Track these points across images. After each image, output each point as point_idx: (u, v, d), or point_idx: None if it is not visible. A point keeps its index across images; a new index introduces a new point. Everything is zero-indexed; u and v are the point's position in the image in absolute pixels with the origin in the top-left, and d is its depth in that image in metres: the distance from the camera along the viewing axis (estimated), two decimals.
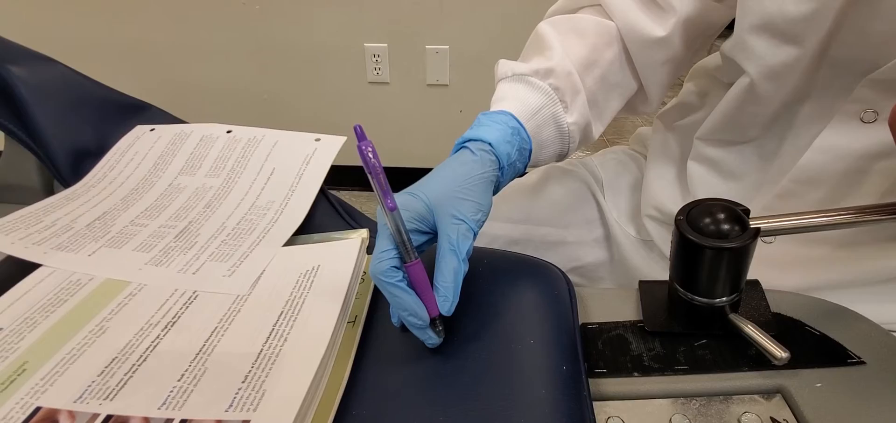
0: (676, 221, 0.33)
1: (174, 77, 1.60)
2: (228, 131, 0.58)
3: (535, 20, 0.50)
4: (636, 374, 0.36)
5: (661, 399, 0.35)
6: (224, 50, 1.53)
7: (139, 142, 0.60)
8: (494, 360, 0.33)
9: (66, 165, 0.57)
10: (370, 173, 0.32)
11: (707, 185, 0.48)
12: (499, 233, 0.57)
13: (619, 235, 0.56)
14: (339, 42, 1.48)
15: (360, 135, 0.32)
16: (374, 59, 1.49)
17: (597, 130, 0.48)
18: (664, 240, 0.53)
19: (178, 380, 0.33)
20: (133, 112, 0.65)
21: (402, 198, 0.36)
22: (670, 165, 0.53)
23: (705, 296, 0.35)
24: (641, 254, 0.55)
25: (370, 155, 0.31)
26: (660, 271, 0.54)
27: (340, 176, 1.48)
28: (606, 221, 0.57)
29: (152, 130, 0.61)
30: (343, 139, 0.56)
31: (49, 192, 0.60)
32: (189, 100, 1.61)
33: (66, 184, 0.56)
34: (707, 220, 0.33)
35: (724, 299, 0.35)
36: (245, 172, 0.53)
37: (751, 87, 0.41)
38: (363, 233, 0.45)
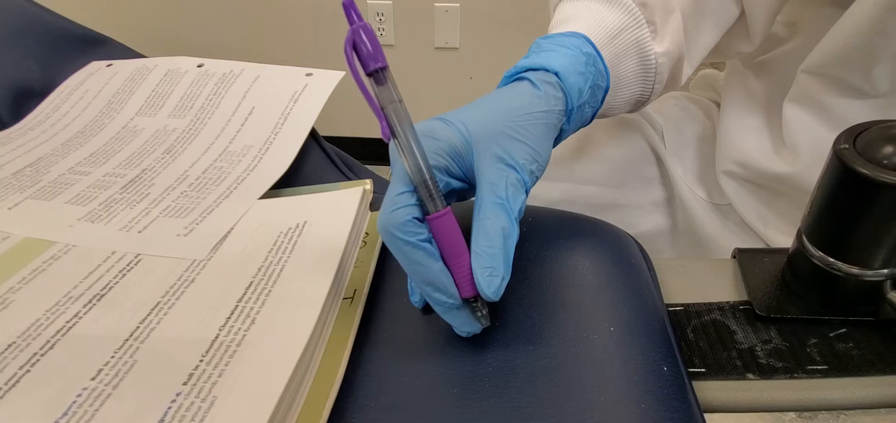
0: (838, 150, 0.23)
1: (163, 37, 1.48)
2: (200, 65, 0.47)
3: None
4: (751, 376, 0.25)
5: (789, 413, 0.24)
6: (215, 7, 1.42)
7: (92, 79, 0.49)
8: (559, 356, 0.23)
9: (4, 105, 0.47)
10: (354, 75, 0.21)
11: (812, 135, 0.36)
12: (533, 192, 0.46)
13: (686, 197, 0.45)
14: None
15: (351, 16, 0.21)
16: (378, 19, 1.37)
17: (686, 73, 0.36)
18: (745, 203, 0.42)
19: (93, 378, 0.22)
20: (89, 46, 0.54)
21: (429, 123, 0.25)
22: (755, 110, 0.42)
23: (857, 263, 0.25)
24: (714, 221, 0.44)
25: (352, 49, 0.20)
26: (738, 242, 0.43)
27: (352, 148, 1.37)
28: (669, 180, 0.46)
29: (109, 65, 0.50)
30: (341, 74, 0.45)
31: None
32: None
33: (4, 126, 0.45)
34: (890, 148, 0.22)
35: (885, 270, 0.25)
36: (217, 111, 0.43)
37: None
38: (365, 183, 0.35)
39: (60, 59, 0.52)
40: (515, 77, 0.28)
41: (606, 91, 0.31)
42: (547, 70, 0.28)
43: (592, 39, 0.30)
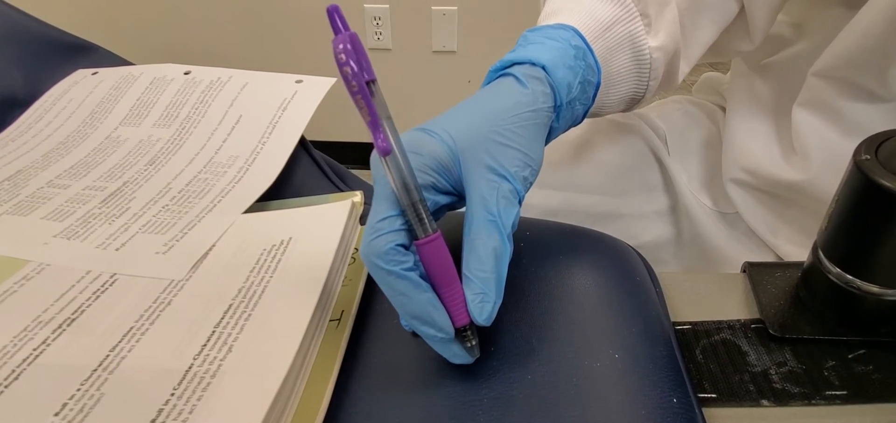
0: (859, 161, 0.21)
1: (154, 42, 1.47)
2: (187, 73, 0.46)
3: None
4: (765, 402, 0.24)
5: None
6: (207, 12, 1.40)
7: (76, 87, 0.47)
8: (559, 387, 0.21)
9: None
10: (348, 87, 0.19)
11: (823, 140, 0.35)
12: (530, 202, 0.45)
13: (691, 205, 0.43)
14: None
15: (335, 23, 0.19)
16: (375, 23, 1.36)
17: (683, 70, 0.35)
18: (753, 212, 0.40)
19: (57, 414, 0.21)
20: (75, 54, 0.53)
21: (412, 136, 0.24)
22: (762, 114, 0.40)
23: (878, 282, 0.23)
24: (721, 230, 0.42)
25: (343, 57, 0.19)
26: (746, 253, 0.41)
27: (343, 154, 1.35)
28: (673, 188, 0.44)
29: (95, 73, 0.49)
30: (332, 81, 0.43)
31: None
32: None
33: None
34: None
35: None
36: (203, 120, 0.41)
37: None
38: (355, 196, 0.33)
39: (45, 67, 0.51)
40: (501, 71, 0.27)
41: (598, 87, 0.29)
42: (533, 64, 0.26)
43: (582, 32, 0.29)
